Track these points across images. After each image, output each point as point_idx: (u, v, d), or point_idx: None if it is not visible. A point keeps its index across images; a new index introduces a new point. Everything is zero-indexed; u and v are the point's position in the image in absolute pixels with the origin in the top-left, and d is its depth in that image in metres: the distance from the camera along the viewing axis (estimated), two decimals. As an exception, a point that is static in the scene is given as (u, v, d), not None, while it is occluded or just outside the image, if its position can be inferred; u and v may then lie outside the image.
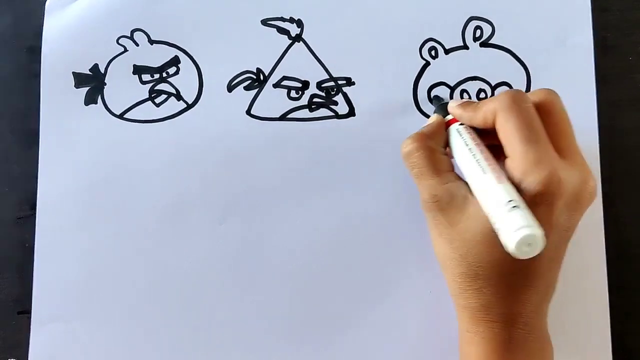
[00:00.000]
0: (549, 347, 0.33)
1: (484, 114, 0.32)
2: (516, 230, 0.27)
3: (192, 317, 0.39)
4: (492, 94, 0.40)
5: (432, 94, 0.40)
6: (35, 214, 0.40)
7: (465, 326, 0.33)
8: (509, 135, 0.31)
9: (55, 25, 0.42)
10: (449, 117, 0.36)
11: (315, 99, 0.41)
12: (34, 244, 0.40)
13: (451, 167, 0.34)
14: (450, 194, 0.32)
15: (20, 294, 0.40)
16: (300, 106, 0.41)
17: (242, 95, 0.41)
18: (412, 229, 0.39)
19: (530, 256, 0.27)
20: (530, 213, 0.28)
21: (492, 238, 0.30)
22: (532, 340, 0.32)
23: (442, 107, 0.37)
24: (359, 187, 0.40)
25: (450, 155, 0.35)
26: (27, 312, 0.40)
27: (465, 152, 0.32)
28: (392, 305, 0.39)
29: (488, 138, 0.33)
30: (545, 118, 0.31)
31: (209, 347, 0.39)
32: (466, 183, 0.33)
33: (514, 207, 0.28)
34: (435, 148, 0.34)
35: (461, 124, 0.34)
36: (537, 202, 0.29)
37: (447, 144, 0.35)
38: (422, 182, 0.33)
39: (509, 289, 0.31)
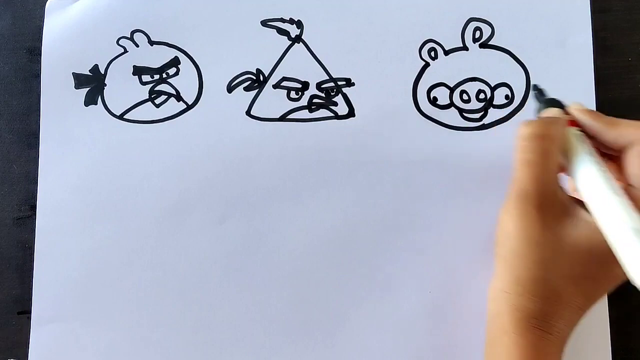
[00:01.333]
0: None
1: (619, 134, 0.32)
2: None
3: (192, 316, 0.39)
4: (492, 95, 0.40)
5: (432, 95, 0.40)
6: (35, 214, 0.40)
7: (509, 326, 0.32)
8: None
9: (55, 26, 0.42)
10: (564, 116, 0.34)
11: (315, 100, 0.41)
12: (34, 244, 0.40)
13: (559, 172, 0.33)
14: (556, 197, 0.31)
15: (20, 294, 0.40)
16: (300, 107, 0.41)
17: (242, 96, 0.41)
18: (412, 229, 0.39)
19: None
20: None
21: (581, 257, 0.30)
22: (560, 351, 0.32)
23: (553, 101, 0.35)
24: (359, 187, 0.40)
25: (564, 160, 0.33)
26: (27, 312, 0.40)
27: (590, 164, 0.31)
28: (392, 305, 0.39)
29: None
30: None
31: (209, 347, 0.39)
32: (570, 195, 0.32)
33: None
34: (558, 145, 0.32)
35: (579, 130, 0.33)
36: None
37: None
38: (533, 171, 0.32)
39: (569, 306, 0.31)
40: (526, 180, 0.32)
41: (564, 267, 0.31)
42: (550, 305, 0.31)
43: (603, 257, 0.30)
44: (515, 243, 0.32)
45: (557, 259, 0.31)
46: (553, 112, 0.35)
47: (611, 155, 0.33)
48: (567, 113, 0.34)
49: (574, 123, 0.33)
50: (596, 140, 0.33)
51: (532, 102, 0.38)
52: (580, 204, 0.32)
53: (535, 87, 0.38)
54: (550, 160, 0.32)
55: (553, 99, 0.36)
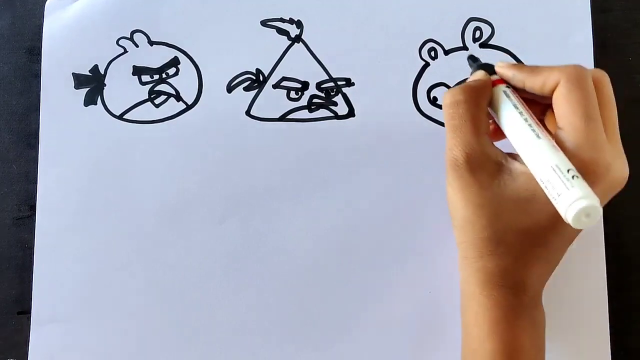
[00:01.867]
0: (544, 319, 0.34)
1: (544, 79, 0.32)
2: (577, 199, 0.27)
3: (192, 316, 0.39)
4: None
5: (432, 94, 0.40)
6: (35, 214, 0.40)
7: (475, 289, 0.32)
8: (569, 106, 0.30)
9: (55, 26, 0.42)
10: (494, 77, 0.35)
11: (315, 100, 0.41)
12: (33, 244, 0.40)
13: (489, 132, 0.33)
14: (486, 156, 0.32)
15: (20, 294, 0.40)
16: (300, 107, 0.41)
17: (242, 96, 0.41)
18: (412, 229, 0.39)
19: (585, 227, 0.27)
20: (588, 184, 0.28)
21: (525, 206, 0.30)
22: (536, 310, 0.32)
23: (484, 66, 0.36)
24: (358, 187, 0.40)
25: (492, 117, 0.34)
26: (27, 312, 0.40)
27: (515, 115, 0.32)
28: (391, 306, 0.39)
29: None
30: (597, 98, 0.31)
31: (208, 347, 0.39)
32: (501, 150, 0.32)
33: (574, 176, 0.28)
34: (481, 106, 0.33)
35: (507, 86, 0.34)
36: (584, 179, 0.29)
37: (491, 104, 0.34)
38: (458, 137, 0.32)
39: (528, 258, 0.32)
40: (455, 146, 0.32)
41: (511, 220, 0.31)
42: (510, 260, 0.31)
43: (546, 203, 0.30)
44: (461, 211, 0.32)
45: (502, 214, 0.31)
46: (477, 74, 0.35)
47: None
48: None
49: (503, 81, 0.34)
50: (528, 93, 0.33)
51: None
52: (516, 157, 0.32)
53: (470, 57, 0.38)
54: (474, 122, 0.32)
55: (484, 64, 0.36)
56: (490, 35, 0.41)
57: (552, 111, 0.32)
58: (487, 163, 0.32)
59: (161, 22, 0.42)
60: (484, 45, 0.41)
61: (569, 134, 0.30)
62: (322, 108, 0.41)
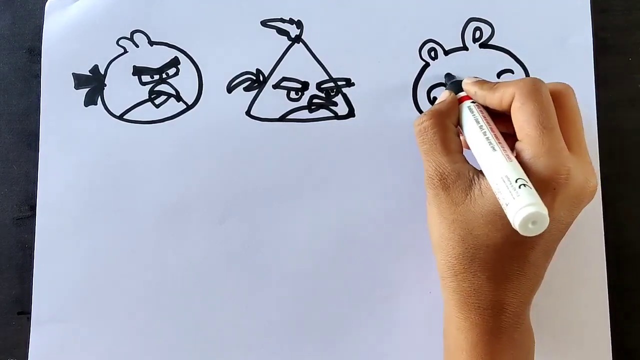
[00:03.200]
0: (532, 339, 0.33)
1: (501, 95, 0.33)
2: (523, 207, 0.27)
3: (192, 316, 0.39)
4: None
5: (432, 94, 0.40)
6: (35, 214, 0.40)
7: (453, 311, 0.33)
8: (524, 118, 0.31)
9: (55, 26, 0.42)
10: (462, 94, 0.36)
11: (315, 100, 0.41)
12: (33, 244, 0.40)
13: (461, 149, 0.34)
14: (457, 173, 0.32)
15: (20, 294, 0.40)
16: (300, 107, 0.41)
17: (242, 96, 0.41)
18: (412, 229, 0.39)
19: (533, 234, 0.27)
20: (536, 193, 0.28)
21: (494, 221, 0.30)
22: (517, 331, 0.32)
23: (454, 84, 0.37)
24: (358, 188, 0.40)
25: (460, 133, 0.35)
26: (27, 312, 0.40)
27: (476, 129, 0.33)
28: (391, 306, 0.39)
29: (497, 122, 0.33)
30: (558, 110, 0.32)
31: (209, 347, 0.39)
32: (473, 167, 0.33)
33: (523, 184, 0.28)
34: (448, 126, 0.34)
35: (473, 102, 0.35)
36: (543, 188, 0.29)
37: (459, 121, 0.35)
38: (431, 158, 0.33)
39: (503, 275, 0.31)
40: (429, 168, 0.33)
41: (483, 236, 0.31)
42: (484, 279, 0.32)
43: None
44: (437, 228, 0.33)
45: (473, 230, 0.31)
46: (443, 95, 0.37)
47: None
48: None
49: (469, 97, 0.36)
50: (490, 109, 0.34)
51: None
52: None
53: (447, 75, 0.40)
54: (443, 143, 0.33)
55: (455, 81, 0.37)
56: (490, 35, 0.41)
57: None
58: (459, 180, 0.32)
59: (161, 22, 0.42)
60: (484, 45, 0.41)
61: (526, 144, 0.31)
62: (322, 108, 0.41)
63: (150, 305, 0.39)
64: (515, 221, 0.27)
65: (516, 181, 0.28)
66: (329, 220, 0.40)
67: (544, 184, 0.29)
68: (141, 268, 0.40)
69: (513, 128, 0.32)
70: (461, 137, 0.35)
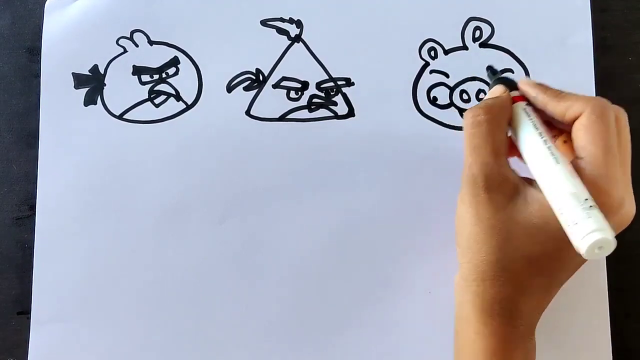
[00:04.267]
0: (535, 351, 0.33)
1: (568, 107, 0.31)
2: (594, 230, 0.26)
3: (192, 316, 0.39)
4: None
5: (432, 94, 0.40)
6: (35, 214, 0.40)
7: (472, 314, 0.32)
8: (589, 138, 0.30)
9: (55, 26, 0.42)
10: (514, 93, 0.34)
11: (315, 100, 0.41)
12: (33, 244, 0.40)
13: (507, 152, 0.33)
14: (503, 177, 0.31)
15: (20, 294, 0.40)
16: (300, 107, 0.41)
17: (242, 96, 0.41)
18: (412, 229, 0.39)
19: (595, 258, 0.27)
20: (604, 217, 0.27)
21: (536, 234, 0.30)
22: (530, 341, 0.32)
23: (502, 80, 0.35)
24: (358, 187, 0.40)
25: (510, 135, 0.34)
26: (27, 312, 0.40)
27: (535, 136, 0.31)
28: (391, 306, 0.39)
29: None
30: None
31: (209, 347, 0.39)
32: (517, 175, 0.32)
33: (592, 206, 0.27)
34: (503, 126, 0.32)
35: (528, 104, 0.33)
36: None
37: (510, 122, 0.33)
38: (478, 156, 0.32)
39: (531, 288, 0.31)
40: (473, 165, 0.32)
41: (520, 247, 0.30)
42: (512, 288, 0.31)
43: (557, 232, 0.29)
44: (470, 229, 0.32)
45: (512, 239, 0.30)
46: (496, 90, 0.35)
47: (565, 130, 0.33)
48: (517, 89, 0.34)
49: (523, 98, 0.34)
50: (545, 114, 0.33)
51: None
52: (532, 182, 0.32)
53: (489, 68, 0.38)
54: (494, 143, 0.32)
55: (504, 78, 0.35)
56: (490, 35, 0.41)
57: (566, 136, 0.32)
58: (504, 185, 0.31)
59: (161, 22, 0.42)
60: (484, 45, 0.41)
61: (588, 164, 0.30)
62: (322, 108, 0.41)
63: (150, 305, 0.39)
64: (583, 244, 0.26)
65: (585, 200, 0.27)
66: (329, 220, 0.40)
67: (600, 208, 0.28)
68: (141, 268, 0.40)
69: (559, 134, 0.32)
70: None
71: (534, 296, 0.31)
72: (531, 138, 0.31)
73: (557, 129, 0.33)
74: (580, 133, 0.31)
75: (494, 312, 0.31)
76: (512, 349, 0.31)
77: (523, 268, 0.31)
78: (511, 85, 0.34)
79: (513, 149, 0.34)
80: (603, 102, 0.31)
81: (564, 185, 0.28)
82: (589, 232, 0.26)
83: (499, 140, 0.32)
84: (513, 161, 0.33)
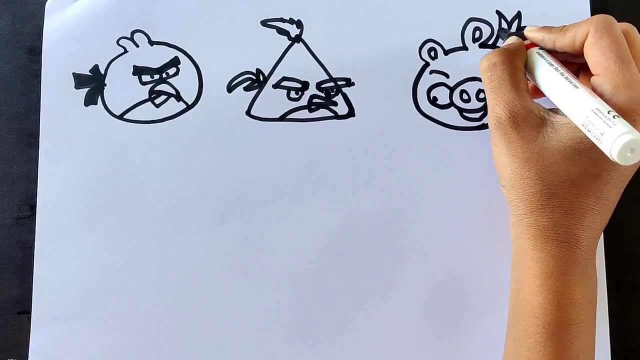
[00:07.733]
0: (596, 273, 0.34)
1: (574, 34, 0.33)
2: (622, 134, 0.27)
3: (192, 317, 0.39)
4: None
5: (432, 94, 0.40)
6: (35, 214, 0.40)
7: (527, 245, 0.33)
8: (600, 52, 0.31)
9: (55, 26, 0.42)
10: (525, 42, 0.36)
11: (315, 100, 0.41)
12: (33, 244, 0.40)
13: (528, 89, 0.34)
14: (528, 111, 0.33)
15: (20, 294, 0.40)
16: (300, 107, 0.41)
17: (242, 96, 0.41)
18: (412, 229, 0.39)
19: (630, 163, 0.28)
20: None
21: (571, 157, 0.31)
22: (589, 265, 0.33)
23: (514, 34, 0.37)
24: (358, 187, 0.40)
25: (529, 79, 0.35)
26: (27, 312, 0.40)
27: (551, 71, 0.33)
28: (392, 305, 0.39)
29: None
30: (629, 47, 0.32)
31: (209, 347, 0.39)
32: (542, 106, 0.33)
33: (615, 116, 0.28)
34: (518, 66, 0.34)
35: (540, 49, 0.35)
36: (625, 118, 0.29)
37: (526, 67, 0.35)
38: (499, 96, 0.33)
39: (580, 210, 0.32)
40: (496, 106, 0.33)
41: (560, 172, 0.32)
42: (562, 213, 0.32)
43: (591, 150, 0.31)
44: (508, 168, 0.33)
45: (550, 167, 0.32)
46: (509, 40, 0.36)
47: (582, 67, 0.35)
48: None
49: (534, 45, 0.35)
50: (560, 54, 0.35)
51: None
52: (557, 110, 0.33)
53: (501, 29, 0.40)
54: (513, 82, 0.33)
55: (515, 32, 0.37)
56: (490, 35, 0.41)
57: (585, 70, 0.33)
58: (529, 118, 0.32)
59: (161, 22, 0.42)
60: (484, 45, 0.41)
61: (604, 77, 0.31)
62: (322, 108, 0.41)
63: (151, 305, 0.39)
64: (614, 149, 0.28)
65: (608, 112, 0.29)
66: (329, 220, 0.40)
67: (626, 116, 0.30)
68: (141, 268, 0.40)
69: (578, 73, 0.33)
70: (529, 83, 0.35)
71: (586, 218, 0.32)
72: (548, 73, 0.33)
73: (575, 66, 0.35)
74: (591, 52, 0.32)
75: (548, 238, 0.32)
76: (569, 271, 0.32)
77: (568, 191, 0.32)
78: (522, 38, 0.36)
79: (535, 93, 0.35)
80: (605, 17, 0.32)
81: (586, 104, 0.30)
82: (617, 137, 0.28)
83: (517, 78, 0.33)
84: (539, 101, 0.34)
